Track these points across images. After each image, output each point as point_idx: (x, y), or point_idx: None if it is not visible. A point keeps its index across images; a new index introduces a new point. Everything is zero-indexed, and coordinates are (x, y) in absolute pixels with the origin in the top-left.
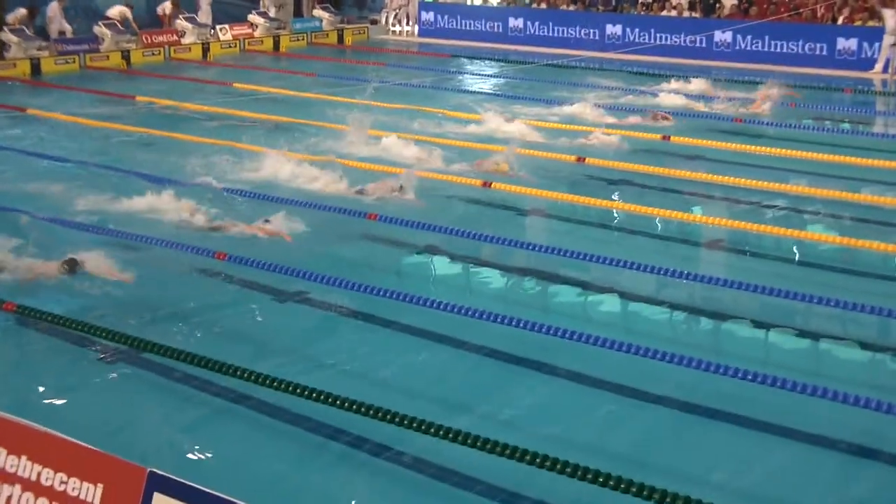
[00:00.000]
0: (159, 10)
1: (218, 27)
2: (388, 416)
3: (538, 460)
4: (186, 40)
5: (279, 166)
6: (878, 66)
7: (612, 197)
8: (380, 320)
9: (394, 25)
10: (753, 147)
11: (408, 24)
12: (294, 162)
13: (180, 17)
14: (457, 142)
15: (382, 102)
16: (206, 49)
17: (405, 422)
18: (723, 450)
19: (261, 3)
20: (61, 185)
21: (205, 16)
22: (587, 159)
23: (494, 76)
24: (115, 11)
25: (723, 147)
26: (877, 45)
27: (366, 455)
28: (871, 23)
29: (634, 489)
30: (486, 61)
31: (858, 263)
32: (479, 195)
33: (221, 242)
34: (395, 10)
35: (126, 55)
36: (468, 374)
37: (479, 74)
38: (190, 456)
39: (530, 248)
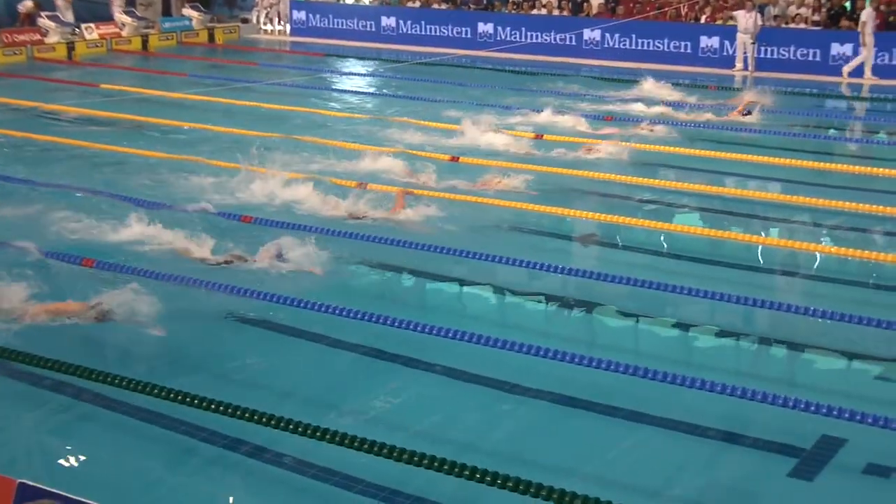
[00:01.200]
0: (20, 7)
1: (83, 26)
2: (264, 419)
3: (416, 458)
4: (50, 40)
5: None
6: (738, 64)
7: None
8: (252, 321)
9: (265, 24)
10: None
11: (279, 23)
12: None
13: (42, 15)
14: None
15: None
16: (70, 48)
17: (280, 424)
18: (597, 440)
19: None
20: None
21: (66, 14)
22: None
23: (410, 79)
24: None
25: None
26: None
27: (241, 457)
28: (731, 22)
29: (511, 484)
30: (372, 61)
31: (723, 254)
32: None
33: None
34: (265, 8)
35: None
36: (344, 373)
37: (380, 76)
38: (61, 462)
39: (406, 245)
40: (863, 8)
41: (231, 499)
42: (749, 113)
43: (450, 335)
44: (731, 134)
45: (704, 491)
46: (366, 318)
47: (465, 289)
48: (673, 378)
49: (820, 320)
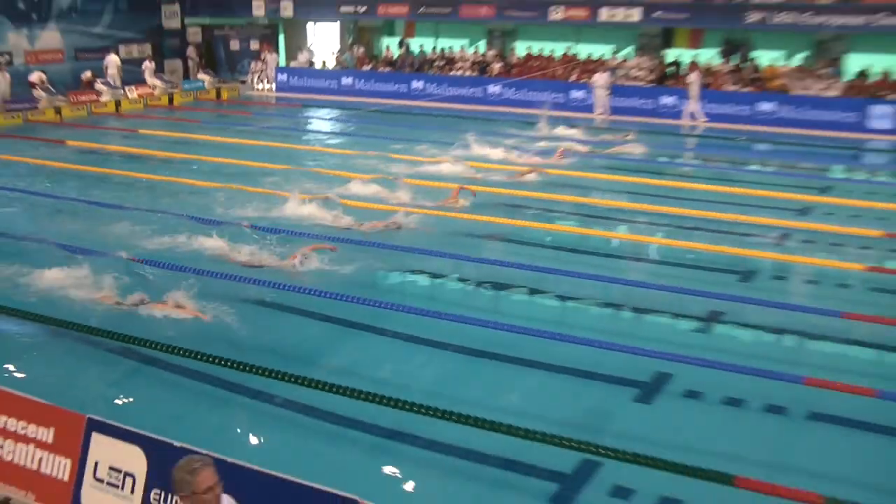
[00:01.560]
0: (83, 76)
1: (127, 88)
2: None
3: (363, 396)
4: (103, 99)
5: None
6: (598, 110)
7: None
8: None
9: (257, 84)
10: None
11: (267, 83)
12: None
13: (97, 81)
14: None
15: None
16: (118, 105)
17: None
18: (494, 381)
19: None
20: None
21: (116, 80)
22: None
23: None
24: (34, 76)
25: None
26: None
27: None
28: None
29: (438, 413)
30: (336, 109)
31: (588, 246)
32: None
33: None
34: (257, 72)
35: (58, 111)
36: (321, 336)
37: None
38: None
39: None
40: (684, 74)
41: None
42: (628, 136)
43: (396, 308)
44: (616, 161)
45: (576, 413)
46: (342, 298)
47: (414, 276)
48: (551, 335)
49: (654, 291)
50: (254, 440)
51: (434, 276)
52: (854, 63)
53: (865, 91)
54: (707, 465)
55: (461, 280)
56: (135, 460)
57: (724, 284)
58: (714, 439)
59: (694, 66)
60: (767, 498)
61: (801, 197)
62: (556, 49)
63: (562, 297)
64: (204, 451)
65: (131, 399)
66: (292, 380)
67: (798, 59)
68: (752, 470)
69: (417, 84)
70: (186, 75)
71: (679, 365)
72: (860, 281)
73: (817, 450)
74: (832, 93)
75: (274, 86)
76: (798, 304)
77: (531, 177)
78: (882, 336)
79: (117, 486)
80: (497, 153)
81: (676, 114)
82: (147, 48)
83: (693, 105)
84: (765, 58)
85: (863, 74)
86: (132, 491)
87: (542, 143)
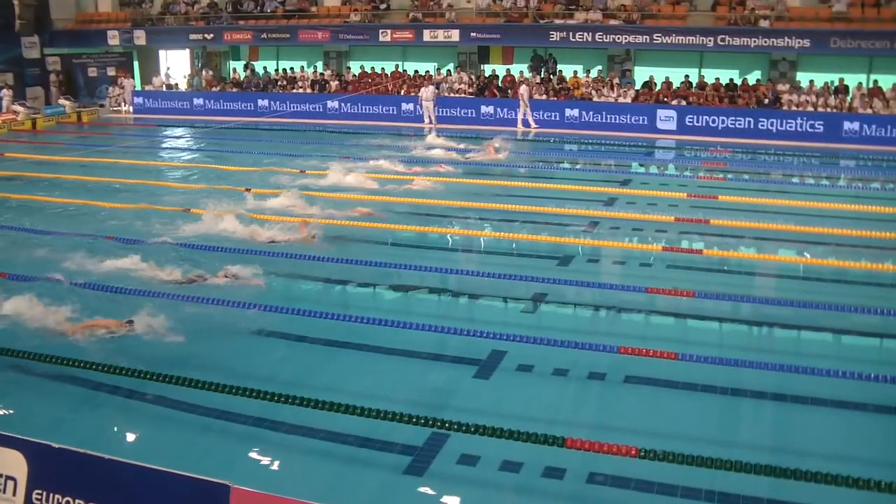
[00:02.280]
0: None
1: None
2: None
3: (231, 390)
4: None
5: None
6: (426, 121)
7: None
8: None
9: (116, 107)
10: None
11: (125, 105)
12: None
13: None
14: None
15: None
16: None
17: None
18: (349, 368)
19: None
20: None
21: None
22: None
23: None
24: None
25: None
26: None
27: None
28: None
29: (304, 402)
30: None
31: (426, 242)
32: None
33: None
34: (115, 96)
35: None
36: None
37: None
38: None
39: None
40: (508, 86)
41: None
42: (498, 150)
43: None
44: (485, 167)
45: (424, 392)
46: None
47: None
48: (398, 323)
49: (485, 279)
50: (131, 437)
51: (292, 276)
52: (641, 74)
53: (652, 98)
54: (541, 431)
55: (320, 280)
56: (15, 464)
57: (546, 269)
58: (546, 407)
59: (523, 79)
60: (594, 455)
61: (606, 190)
62: (387, 66)
63: (405, 289)
64: (82, 451)
65: (11, 411)
66: (164, 379)
67: (595, 72)
68: (579, 431)
69: (263, 102)
70: (48, 101)
71: (511, 343)
72: (658, 259)
73: (634, 409)
74: (625, 100)
75: (132, 108)
76: (609, 283)
77: (425, 183)
78: (679, 306)
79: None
80: (384, 165)
81: (497, 121)
82: (8, 77)
83: (525, 113)
84: (568, 70)
85: (649, 84)
86: (14, 493)
87: (418, 153)
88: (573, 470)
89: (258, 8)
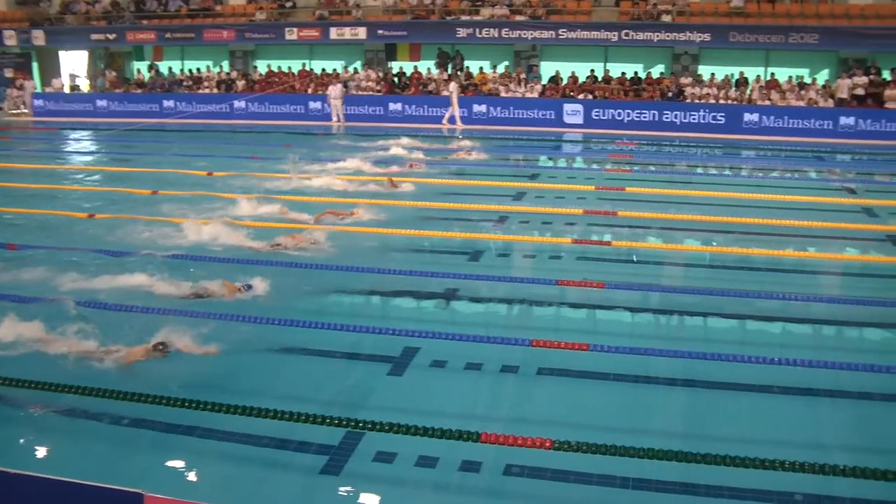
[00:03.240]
0: None
1: None
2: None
3: (147, 399)
4: None
5: None
6: (334, 119)
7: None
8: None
9: (15, 110)
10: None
11: (24, 108)
12: None
13: None
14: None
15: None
16: None
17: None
18: (265, 371)
19: None
20: None
21: None
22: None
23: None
24: None
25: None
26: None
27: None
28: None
29: (233, 409)
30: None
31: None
32: None
33: None
34: (14, 98)
35: None
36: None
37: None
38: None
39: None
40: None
41: None
42: (469, 152)
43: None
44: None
45: (342, 390)
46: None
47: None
48: (315, 324)
49: (399, 276)
50: (40, 451)
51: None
52: (548, 69)
53: (559, 92)
54: (456, 426)
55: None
56: None
57: (457, 265)
58: (460, 402)
59: (452, 77)
60: (509, 448)
61: (515, 185)
62: (294, 65)
63: (324, 290)
64: None
65: None
66: (75, 391)
67: (502, 67)
68: (495, 425)
69: (168, 103)
70: None
71: (424, 339)
72: (568, 252)
73: (548, 401)
74: (532, 95)
75: (32, 111)
76: (520, 277)
77: (405, 186)
78: (589, 297)
79: None
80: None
81: (405, 118)
82: None
83: (453, 111)
84: (475, 66)
85: (555, 78)
86: None
87: (380, 153)
88: (489, 463)
89: (162, 7)
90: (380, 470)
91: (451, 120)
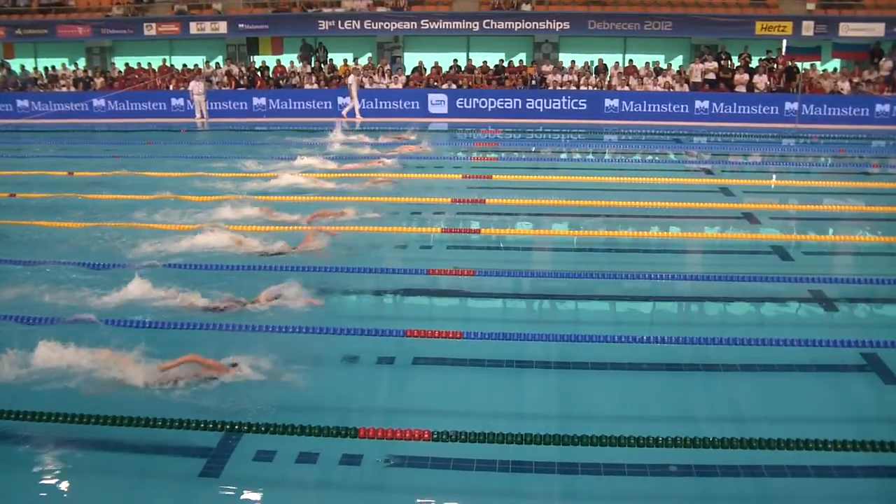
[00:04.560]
0: None
1: None
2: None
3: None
4: None
5: None
6: (198, 115)
7: None
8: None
9: None
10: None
11: None
12: None
13: None
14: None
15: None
16: None
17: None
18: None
19: None
20: None
21: None
22: None
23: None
24: None
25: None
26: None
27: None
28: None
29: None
30: None
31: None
32: None
33: None
34: None
35: None
36: None
37: None
38: None
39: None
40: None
41: None
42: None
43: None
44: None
45: (214, 394)
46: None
47: None
48: (186, 325)
49: (264, 272)
50: None
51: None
52: (411, 60)
53: (423, 83)
54: (334, 422)
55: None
56: None
57: (327, 259)
58: (339, 397)
59: (351, 69)
60: (388, 441)
61: (382, 176)
62: (154, 61)
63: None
64: None
65: None
66: None
67: (365, 59)
68: (373, 418)
69: (23, 103)
70: None
71: (298, 335)
72: (438, 241)
73: (425, 390)
74: (397, 86)
75: None
76: (392, 268)
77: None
78: (461, 285)
79: None
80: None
81: (270, 113)
82: None
83: (353, 104)
84: (338, 59)
85: (419, 69)
86: None
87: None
88: (370, 457)
89: (10, 2)
90: (260, 470)
91: (351, 113)
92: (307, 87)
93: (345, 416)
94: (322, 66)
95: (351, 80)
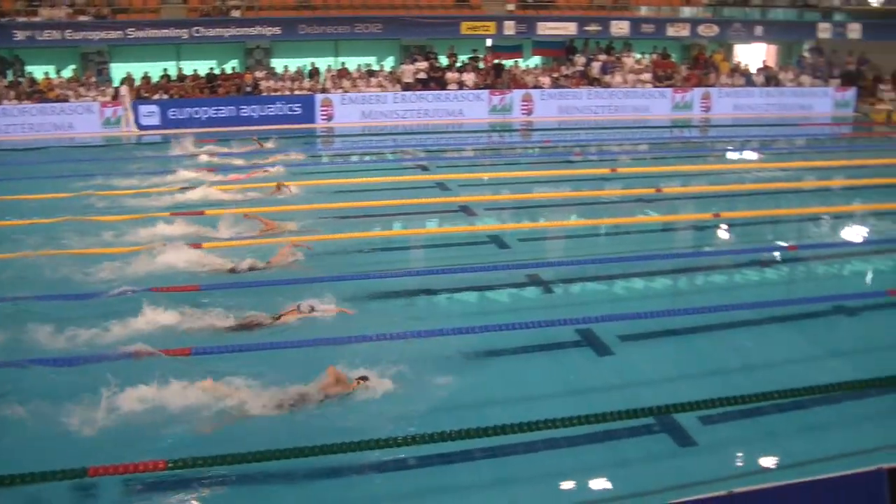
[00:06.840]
0: None
1: None
2: None
3: None
4: None
5: None
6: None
7: None
8: None
9: None
10: None
11: None
12: None
13: None
14: None
15: None
16: None
17: None
18: None
19: None
20: None
21: None
22: None
23: None
24: None
25: None
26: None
27: None
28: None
29: None
30: None
31: None
32: None
33: None
34: None
35: None
36: None
37: None
38: None
39: None
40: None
41: None
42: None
43: None
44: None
45: None
46: None
47: None
48: None
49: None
50: None
51: None
52: (119, 71)
53: (135, 94)
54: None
55: None
56: None
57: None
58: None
59: (126, 81)
60: (123, 477)
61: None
62: None
63: None
64: None
65: None
66: None
67: (69, 71)
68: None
69: None
70: None
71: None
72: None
73: (157, 417)
74: (105, 98)
75: None
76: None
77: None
78: (183, 300)
79: None
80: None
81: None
82: None
83: (128, 115)
84: (39, 72)
85: (127, 80)
86: None
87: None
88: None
89: None
90: None
91: (128, 125)
92: (6, 104)
93: (74, 457)
94: (20, 80)
95: (123, 91)
